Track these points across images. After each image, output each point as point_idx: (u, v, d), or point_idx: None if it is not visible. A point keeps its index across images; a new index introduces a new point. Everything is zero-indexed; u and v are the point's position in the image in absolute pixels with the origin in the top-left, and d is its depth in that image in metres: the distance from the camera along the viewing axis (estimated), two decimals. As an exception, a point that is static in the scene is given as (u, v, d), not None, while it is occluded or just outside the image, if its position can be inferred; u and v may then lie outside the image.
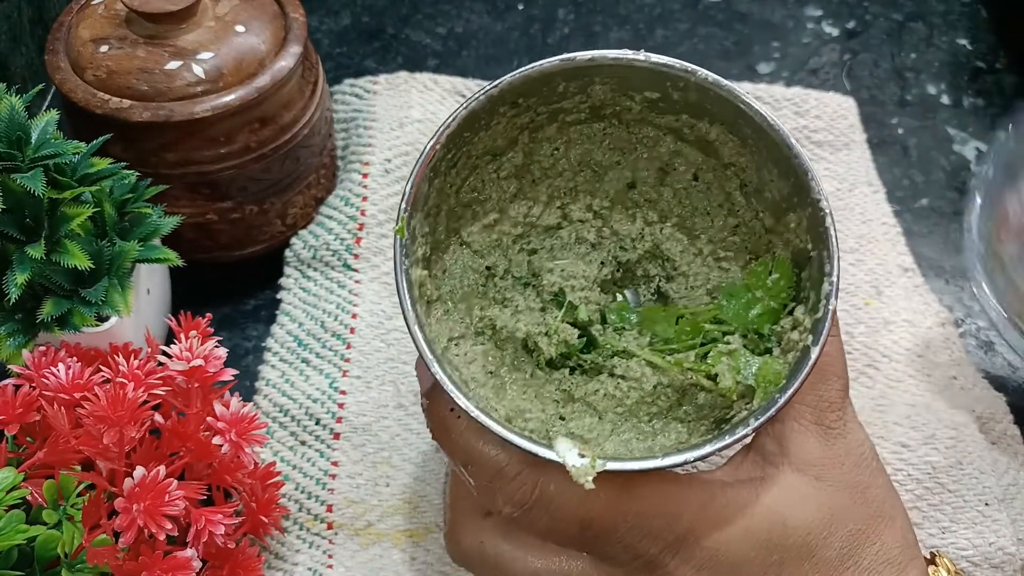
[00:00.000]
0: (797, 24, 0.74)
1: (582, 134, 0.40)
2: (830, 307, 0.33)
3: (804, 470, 0.34)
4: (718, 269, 0.40)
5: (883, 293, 0.56)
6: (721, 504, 0.33)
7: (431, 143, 0.34)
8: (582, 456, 0.31)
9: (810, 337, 0.33)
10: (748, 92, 0.35)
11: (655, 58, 0.35)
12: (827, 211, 0.33)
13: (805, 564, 0.33)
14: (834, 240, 0.33)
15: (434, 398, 0.35)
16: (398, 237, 0.34)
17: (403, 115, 0.61)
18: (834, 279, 0.33)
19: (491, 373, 0.38)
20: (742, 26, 0.73)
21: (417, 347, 0.33)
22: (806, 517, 0.33)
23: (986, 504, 0.46)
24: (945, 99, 0.69)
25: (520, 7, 0.74)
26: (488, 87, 0.35)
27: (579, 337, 0.38)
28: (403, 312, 0.33)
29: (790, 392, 0.32)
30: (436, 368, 0.32)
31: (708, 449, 0.31)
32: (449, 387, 0.32)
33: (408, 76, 0.64)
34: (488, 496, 0.34)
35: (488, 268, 0.40)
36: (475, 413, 0.32)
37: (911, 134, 0.66)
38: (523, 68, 0.35)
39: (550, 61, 0.35)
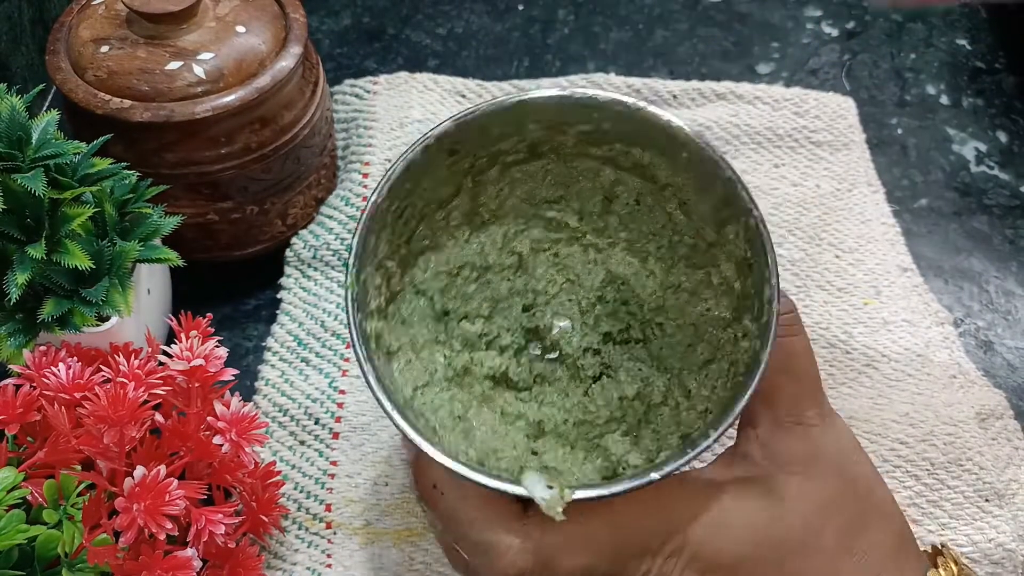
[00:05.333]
0: (797, 24, 0.74)
1: (524, 172, 0.40)
2: (774, 311, 0.33)
3: (791, 469, 0.35)
4: (672, 297, 0.40)
5: (882, 293, 0.56)
6: (717, 506, 0.34)
7: (373, 198, 0.35)
8: (550, 487, 0.31)
9: (758, 343, 0.33)
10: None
11: (579, 92, 0.36)
12: (759, 218, 0.34)
13: (804, 559, 0.33)
14: (769, 246, 0.33)
15: (419, 473, 0.36)
16: (349, 291, 0.34)
17: (403, 115, 0.61)
18: (774, 283, 0.33)
19: (459, 418, 0.38)
20: (742, 26, 0.73)
21: (376, 398, 0.32)
22: (801, 513, 0.34)
23: (986, 500, 0.47)
24: (944, 99, 0.69)
25: (520, 8, 0.74)
26: (422, 138, 0.35)
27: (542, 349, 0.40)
28: (360, 367, 0.33)
29: (744, 399, 0.32)
30: (397, 418, 0.32)
31: (671, 467, 0.32)
32: (412, 434, 0.32)
33: (408, 76, 0.64)
34: (486, 572, 0.34)
35: (446, 313, 0.40)
36: (439, 456, 0.31)
37: (910, 134, 0.66)
38: (454, 115, 0.35)
39: (478, 107, 0.36)
